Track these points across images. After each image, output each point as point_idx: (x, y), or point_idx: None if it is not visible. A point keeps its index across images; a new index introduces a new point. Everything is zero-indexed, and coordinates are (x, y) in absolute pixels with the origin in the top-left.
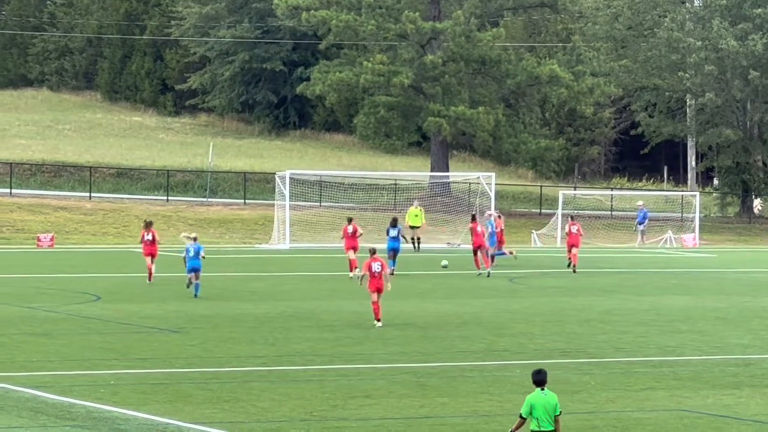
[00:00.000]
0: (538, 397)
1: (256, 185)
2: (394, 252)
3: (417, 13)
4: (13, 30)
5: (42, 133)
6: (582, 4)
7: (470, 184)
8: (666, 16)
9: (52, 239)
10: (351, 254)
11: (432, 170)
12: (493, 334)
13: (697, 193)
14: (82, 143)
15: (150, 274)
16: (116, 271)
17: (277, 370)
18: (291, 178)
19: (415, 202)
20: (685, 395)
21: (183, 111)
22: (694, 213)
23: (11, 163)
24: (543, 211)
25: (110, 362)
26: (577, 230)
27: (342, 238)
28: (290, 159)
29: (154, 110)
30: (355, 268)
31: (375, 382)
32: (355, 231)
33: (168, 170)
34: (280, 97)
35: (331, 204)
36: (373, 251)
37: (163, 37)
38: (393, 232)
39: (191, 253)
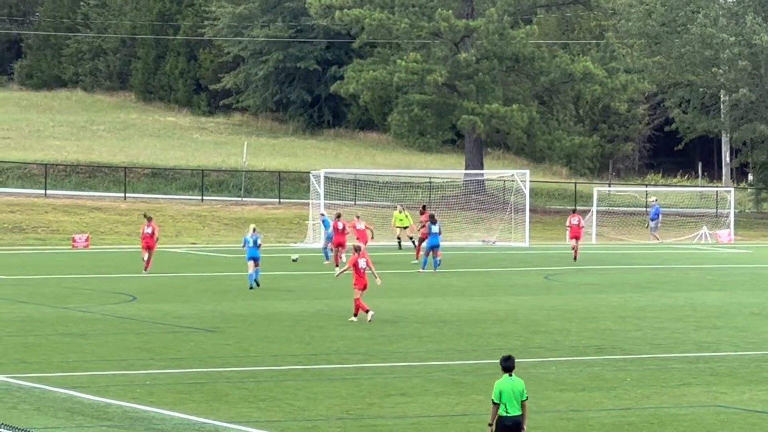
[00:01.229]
0: (506, 382)
1: (290, 184)
2: (436, 249)
3: (450, 11)
4: (47, 31)
5: (76, 134)
6: (615, 0)
7: (505, 181)
8: (699, 12)
9: (87, 240)
10: (338, 251)
11: (466, 168)
12: (528, 331)
13: (732, 189)
14: (116, 144)
15: (147, 264)
16: (151, 271)
17: (313, 369)
18: (325, 177)
19: (399, 207)
20: (721, 391)
21: (217, 111)
22: (729, 209)
23: (46, 164)
24: (577, 207)
25: (146, 362)
26: (578, 222)
27: (331, 233)
28: (325, 158)
29: (188, 110)
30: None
31: (411, 380)
32: (344, 227)
33: (202, 170)
34: (314, 96)
35: (366, 202)
36: (357, 248)
37: (196, 37)
38: (434, 228)
39: (250, 243)
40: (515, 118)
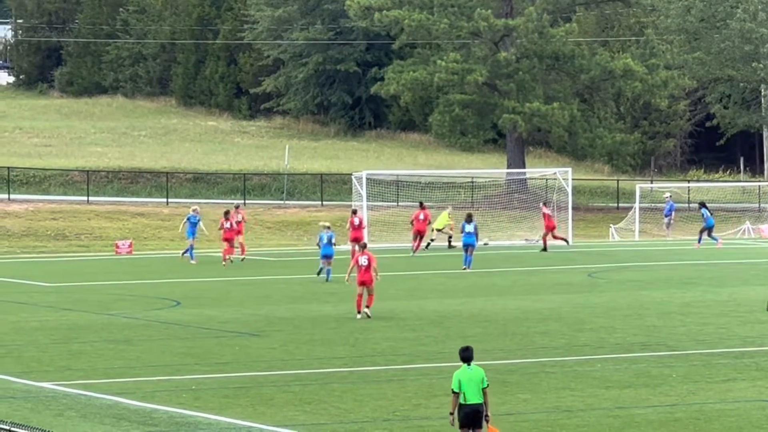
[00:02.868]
0: (465, 372)
1: (332, 186)
2: (469, 247)
3: (489, 11)
4: (86, 38)
5: (118, 140)
6: None
7: (547, 179)
8: (738, 7)
9: (130, 246)
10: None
11: (508, 167)
12: (573, 330)
13: None
14: (157, 149)
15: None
16: (195, 276)
17: (358, 371)
18: (368, 179)
19: (450, 208)
20: (767, 386)
21: (258, 114)
22: None
23: (88, 171)
24: (620, 205)
25: (191, 367)
26: (551, 213)
27: (348, 229)
28: (366, 159)
29: (229, 114)
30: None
31: None
32: (360, 222)
33: (244, 174)
34: (354, 97)
35: (409, 203)
36: (363, 245)
37: (236, 41)
38: (469, 228)
39: (324, 240)
40: (556, 117)
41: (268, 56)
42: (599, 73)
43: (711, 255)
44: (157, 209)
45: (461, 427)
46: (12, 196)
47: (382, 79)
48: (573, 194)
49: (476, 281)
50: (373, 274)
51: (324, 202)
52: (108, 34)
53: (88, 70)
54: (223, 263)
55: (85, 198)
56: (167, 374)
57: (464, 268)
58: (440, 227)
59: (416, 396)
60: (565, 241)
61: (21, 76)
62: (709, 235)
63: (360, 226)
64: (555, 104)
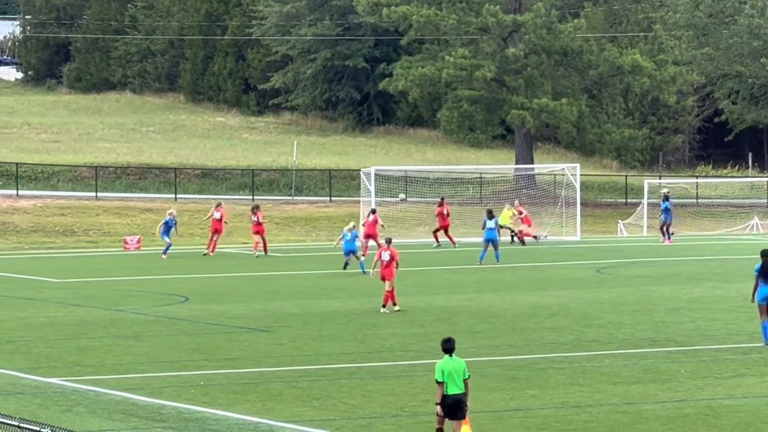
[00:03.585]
0: (447, 363)
1: (341, 182)
2: (492, 243)
3: (497, 6)
4: (95, 34)
5: (126, 136)
6: None
7: (555, 175)
8: (746, 3)
9: (138, 241)
10: (369, 242)
11: (517, 163)
12: (581, 325)
13: None
14: (166, 145)
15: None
16: (203, 272)
17: (366, 367)
18: (376, 174)
19: (507, 205)
20: None
21: (266, 110)
22: None
23: (96, 167)
24: (628, 200)
25: (200, 363)
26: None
27: (363, 225)
28: (375, 155)
29: (238, 110)
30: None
31: None
32: (375, 221)
33: (253, 170)
34: (363, 93)
35: (417, 199)
36: (389, 240)
37: (244, 37)
38: (490, 224)
39: (348, 237)
40: (564, 112)
41: (277, 52)
42: (607, 69)
43: (719, 250)
44: (165, 205)
45: (441, 416)
46: (20, 192)
47: (390, 74)
48: (581, 190)
49: (484, 277)
50: (394, 269)
51: (332, 198)
52: (116, 30)
53: (97, 66)
54: (255, 255)
55: (93, 194)
56: (176, 370)
57: (482, 264)
58: (504, 224)
59: (424, 392)
60: (453, 242)
61: (29, 72)
62: (667, 229)
63: (375, 223)
64: (563, 100)
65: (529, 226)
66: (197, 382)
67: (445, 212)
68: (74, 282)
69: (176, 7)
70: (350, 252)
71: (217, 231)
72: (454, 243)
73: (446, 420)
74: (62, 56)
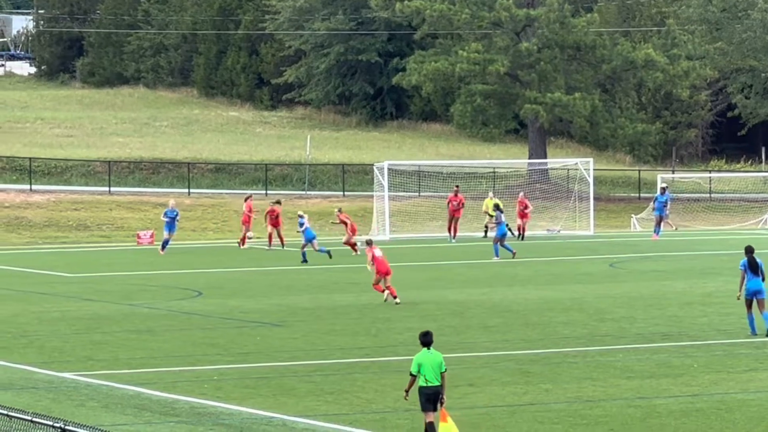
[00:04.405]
0: (425, 356)
1: (354, 177)
2: (504, 237)
3: (510, 1)
4: (108, 29)
5: (139, 130)
6: None
7: (568, 170)
8: None
9: (152, 236)
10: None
11: (530, 157)
12: (594, 320)
13: None
14: (179, 140)
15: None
16: (217, 267)
17: (380, 361)
18: (389, 169)
19: (490, 193)
20: None
21: (279, 105)
22: None
23: (109, 162)
24: (642, 195)
25: (213, 357)
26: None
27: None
28: (388, 150)
29: (251, 105)
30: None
31: (478, 370)
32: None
33: (266, 164)
34: (376, 88)
35: (430, 194)
36: (369, 242)
37: (257, 32)
38: (503, 217)
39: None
40: (578, 107)
41: (290, 46)
42: (621, 64)
43: (732, 245)
44: (178, 199)
45: (424, 409)
46: (34, 187)
47: (403, 69)
48: (594, 184)
49: (498, 271)
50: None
51: (346, 193)
52: (129, 24)
53: (110, 60)
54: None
55: (106, 188)
56: (189, 364)
57: (498, 258)
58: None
59: None
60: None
61: (43, 67)
62: (659, 223)
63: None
64: (576, 94)
65: (522, 219)
66: (210, 377)
67: (456, 203)
68: (87, 276)
69: (189, 2)
70: (311, 239)
71: (245, 224)
72: (453, 236)
73: (429, 413)
74: (75, 51)
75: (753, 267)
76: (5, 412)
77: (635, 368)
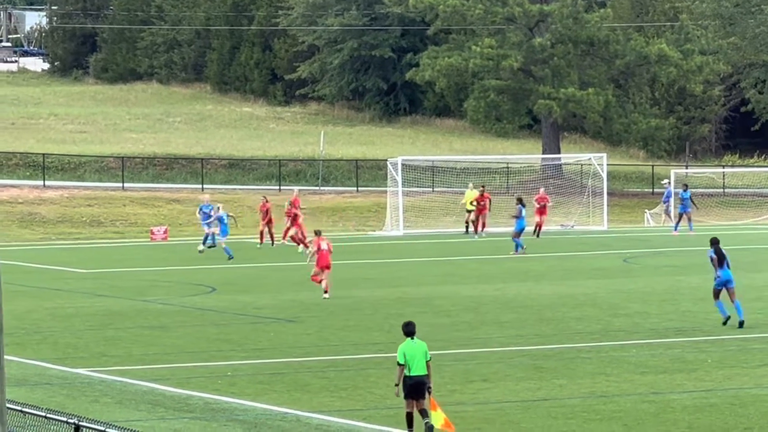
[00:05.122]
0: (408, 345)
1: (368, 172)
2: (521, 232)
3: None
4: (121, 25)
5: (153, 126)
6: None
7: (582, 165)
8: None
9: (165, 232)
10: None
11: (543, 152)
12: (608, 315)
13: None
14: (192, 135)
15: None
16: (230, 263)
17: (393, 357)
18: (403, 165)
19: (470, 184)
20: None
21: (293, 100)
22: None
23: (123, 157)
24: (655, 190)
25: (227, 353)
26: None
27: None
28: (402, 145)
29: (264, 100)
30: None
31: (492, 365)
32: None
33: (280, 160)
34: (389, 83)
35: (444, 189)
36: (318, 232)
37: (271, 27)
38: (525, 212)
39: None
40: (591, 102)
41: (303, 42)
42: (634, 59)
43: (746, 240)
44: (192, 195)
45: (406, 397)
46: (47, 183)
47: (417, 64)
48: (608, 179)
49: (512, 267)
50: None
51: (359, 188)
52: (143, 20)
53: (123, 56)
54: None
55: (120, 184)
56: (202, 360)
57: (519, 252)
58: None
59: (452, 382)
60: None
61: (56, 63)
62: (679, 221)
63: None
64: (590, 90)
65: (540, 216)
66: (224, 373)
67: (483, 203)
68: (101, 272)
69: None
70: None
71: (270, 221)
72: (475, 231)
73: (411, 401)
74: (89, 47)
75: (720, 258)
76: (19, 408)
77: (649, 363)
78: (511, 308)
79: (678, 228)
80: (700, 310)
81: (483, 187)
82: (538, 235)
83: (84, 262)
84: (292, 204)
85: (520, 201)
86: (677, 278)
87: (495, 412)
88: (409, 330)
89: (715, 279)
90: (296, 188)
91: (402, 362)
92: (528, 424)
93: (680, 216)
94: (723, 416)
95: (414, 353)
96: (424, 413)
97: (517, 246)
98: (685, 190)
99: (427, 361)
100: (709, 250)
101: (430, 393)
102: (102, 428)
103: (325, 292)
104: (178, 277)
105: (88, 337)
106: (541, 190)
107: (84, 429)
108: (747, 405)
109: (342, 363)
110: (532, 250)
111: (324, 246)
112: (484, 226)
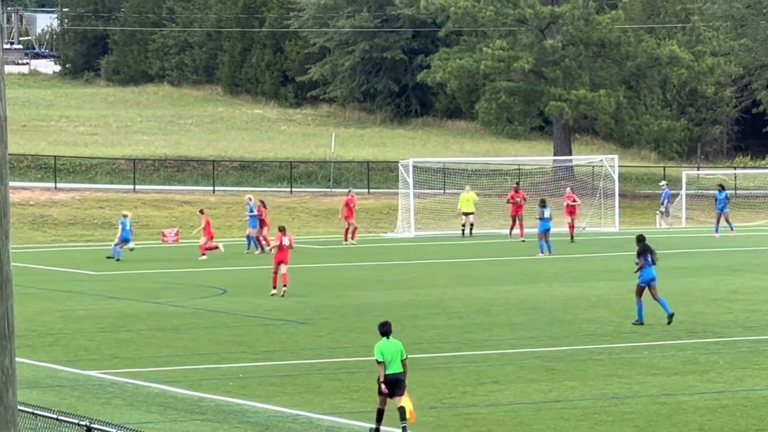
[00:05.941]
0: (385, 344)
1: (379, 174)
2: (548, 233)
3: None
4: (132, 27)
5: (164, 128)
6: None
7: (593, 167)
8: None
9: (177, 234)
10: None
11: (555, 154)
12: (620, 316)
13: None
14: (204, 137)
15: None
16: (242, 265)
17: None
18: (414, 166)
19: (467, 187)
20: None
21: (304, 102)
22: None
23: (134, 159)
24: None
25: (238, 355)
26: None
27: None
28: (413, 147)
29: (276, 102)
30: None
31: (503, 367)
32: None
33: (291, 162)
34: (401, 85)
35: (455, 191)
36: (282, 228)
37: (282, 29)
38: (547, 213)
39: (127, 226)
40: (603, 104)
41: (314, 44)
42: (645, 60)
43: (758, 242)
44: (203, 197)
45: (380, 394)
46: (58, 185)
47: (428, 66)
48: (619, 181)
49: (523, 268)
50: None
51: (371, 190)
52: (154, 22)
53: (134, 58)
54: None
55: (131, 186)
56: (214, 362)
57: (546, 254)
58: (468, 209)
59: (463, 384)
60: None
61: (67, 65)
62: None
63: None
64: (601, 91)
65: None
66: (236, 375)
67: (519, 200)
68: (113, 275)
69: (213, 0)
70: (126, 240)
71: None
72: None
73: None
74: (100, 49)
75: (647, 254)
76: (31, 410)
77: (661, 365)
78: (523, 310)
79: (719, 229)
80: (712, 312)
81: (517, 184)
82: (572, 239)
83: (96, 265)
84: (346, 204)
85: (543, 203)
86: (689, 280)
87: (506, 413)
88: (385, 330)
89: (639, 277)
90: (353, 190)
91: (381, 359)
92: (539, 425)
93: (719, 217)
94: (735, 418)
95: (391, 351)
96: (402, 414)
97: (543, 247)
98: (720, 191)
99: (402, 360)
100: (639, 249)
101: (404, 389)
102: (113, 430)
103: (284, 285)
104: (189, 279)
105: (100, 339)
106: (568, 189)
107: (95, 431)
108: (759, 407)
109: (353, 365)
110: (536, 251)
111: (285, 242)
112: (521, 228)
